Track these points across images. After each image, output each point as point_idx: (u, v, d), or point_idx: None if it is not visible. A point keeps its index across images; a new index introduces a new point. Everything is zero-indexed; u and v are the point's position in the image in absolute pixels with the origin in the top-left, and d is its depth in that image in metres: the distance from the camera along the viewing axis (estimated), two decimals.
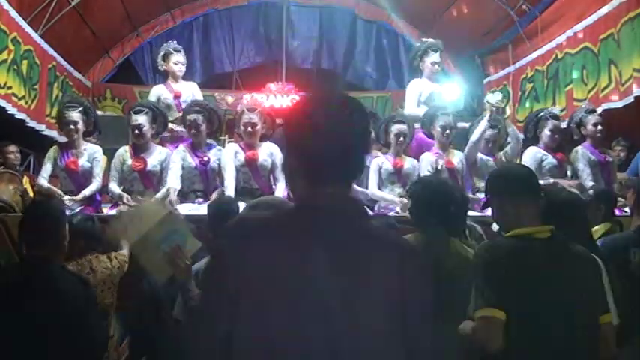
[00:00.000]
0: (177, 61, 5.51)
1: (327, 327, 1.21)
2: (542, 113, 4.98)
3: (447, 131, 4.76)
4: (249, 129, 4.51)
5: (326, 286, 1.22)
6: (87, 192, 4.45)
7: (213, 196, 4.44)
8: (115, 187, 4.50)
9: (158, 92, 5.50)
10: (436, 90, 5.55)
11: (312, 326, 1.21)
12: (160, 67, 5.72)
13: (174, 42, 5.82)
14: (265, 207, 1.90)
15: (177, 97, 5.43)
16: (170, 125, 5.13)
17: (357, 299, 1.24)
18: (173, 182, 4.45)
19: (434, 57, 5.58)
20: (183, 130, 5.09)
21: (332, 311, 1.22)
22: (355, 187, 4.61)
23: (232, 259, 1.26)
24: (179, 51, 5.58)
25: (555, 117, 4.91)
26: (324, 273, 1.23)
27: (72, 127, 4.51)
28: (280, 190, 4.50)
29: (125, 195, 4.40)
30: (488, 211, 2.46)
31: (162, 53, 5.60)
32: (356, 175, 1.37)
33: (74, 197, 4.36)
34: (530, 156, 4.80)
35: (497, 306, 1.91)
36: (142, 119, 4.53)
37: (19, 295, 2.25)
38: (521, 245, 2.00)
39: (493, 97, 4.95)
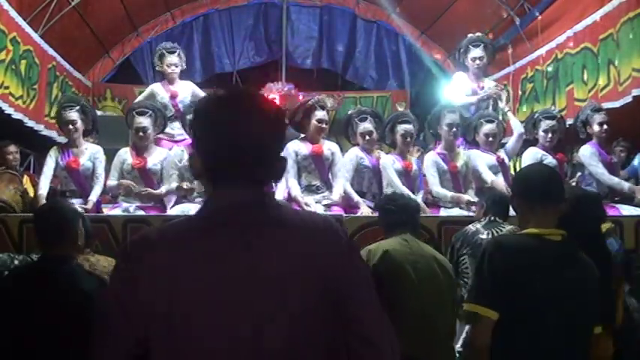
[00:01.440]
0: (170, 63, 5.40)
1: (254, 323, 1.17)
2: (537, 114, 5.03)
3: (454, 129, 4.73)
4: None
5: (238, 283, 1.18)
6: (93, 197, 4.46)
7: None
8: (113, 183, 4.52)
9: (154, 90, 5.45)
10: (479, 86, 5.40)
11: (237, 326, 1.17)
12: (156, 68, 5.67)
13: (171, 43, 5.76)
14: None
15: (173, 97, 5.36)
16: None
17: (277, 290, 1.19)
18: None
19: (474, 52, 5.41)
20: (180, 131, 5.12)
21: (255, 308, 1.18)
22: (350, 190, 4.60)
23: (140, 277, 1.19)
24: (173, 52, 5.46)
25: (550, 117, 4.91)
26: (240, 274, 1.19)
27: (71, 126, 4.53)
28: (280, 190, 4.50)
29: (127, 181, 4.40)
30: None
31: (157, 54, 5.55)
32: (269, 176, 1.30)
33: (85, 206, 4.33)
34: (530, 156, 4.80)
35: (489, 305, 1.93)
36: (146, 121, 4.56)
37: (41, 295, 2.23)
38: (531, 244, 2.02)
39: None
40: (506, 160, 4.87)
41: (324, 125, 4.69)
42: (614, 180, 4.69)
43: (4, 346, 2.22)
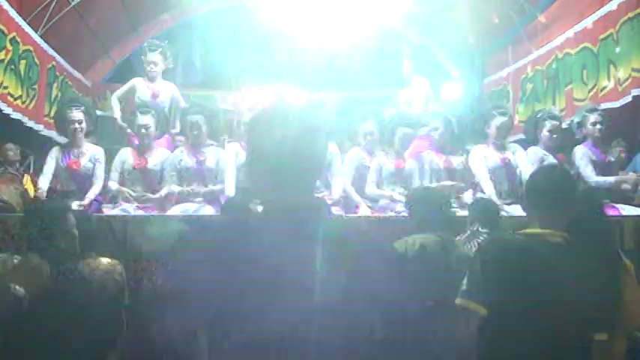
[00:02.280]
0: (150, 61, 5.37)
1: (303, 323, 1.27)
2: (540, 114, 5.00)
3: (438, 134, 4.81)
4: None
5: (295, 282, 1.29)
6: (91, 195, 4.47)
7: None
8: (113, 184, 4.52)
9: (135, 85, 5.39)
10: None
11: (287, 323, 1.27)
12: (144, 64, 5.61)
13: (157, 41, 5.69)
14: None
15: (154, 96, 5.32)
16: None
17: (326, 293, 1.29)
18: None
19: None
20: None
21: (305, 309, 1.28)
22: (350, 189, 4.61)
23: (211, 263, 1.34)
24: (154, 50, 5.40)
25: (554, 117, 4.93)
26: (292, 270, 1.29)
27: (77, 125, 4.53)
28: None
29: (125, 189, 4.40)
30: None
31: (144, 50, 5.52)
32: (316, 180, 1.48)
33: (82, 202, 4.34)
34: (532, 156, 4.80)
35: (479, 301, 1.96)
36: (148, 120, 4.56)
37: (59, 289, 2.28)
38: (527, 243, 2.03)
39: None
40: (513, 160, 4.82)
41: None
42: (599, 180, 4.71)
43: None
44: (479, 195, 4.57)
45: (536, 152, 4.82)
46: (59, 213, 2.42)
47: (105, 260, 3.16)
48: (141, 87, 5.39)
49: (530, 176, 2.33)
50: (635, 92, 5.24)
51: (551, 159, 4.80)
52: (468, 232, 3.34)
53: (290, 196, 1.37)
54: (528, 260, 1.99)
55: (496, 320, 1.95)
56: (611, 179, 4.74)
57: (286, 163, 1.36)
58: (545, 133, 4.83)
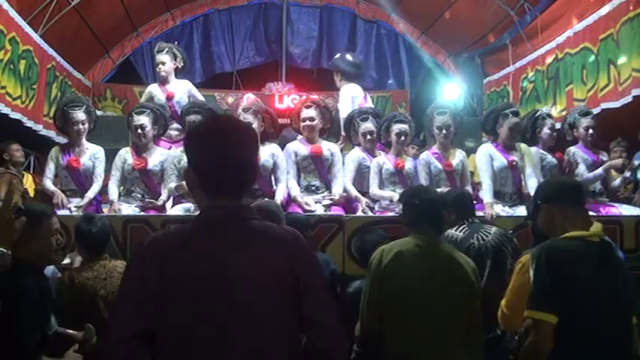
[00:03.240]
0: (158, 62, 5.39)
1: (231, 318, 1.42)
2: (538, 113, 5.00)
3: (444, 131, 4.73)
4: None
5: (225, 284, 1.44)
6: (90, 194, 4.46)
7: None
8: (112, 188, 4.51)
9: (151, 92, 5.43)
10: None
11: (219, 320, 1.42)
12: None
13: (163, 42, 5.71)
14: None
15: (169, 98, 5.32)
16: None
17: (253, 291, 1.45)
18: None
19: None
20: (178, 132, 5.12)
21: (234, 305, 1.43)
22: (350, 187, 4.61)
23: (148, 274, 1.45)
24: (161, 51, 5.42)
25: (551, 116, 4.96)
26: (225, 273, 1.44)
27: (81, 126, 4.55)
28: (281, 191, 4.50)
29: (116, 202, 4.39)
30: None
31: (155, 52, 5.53)
32: (248, 187, 1.59)
33: (80, 203, 4.35)
34: (532, 155, 4.80)
35: (549, 310, 2.02)
36: (144, 120, 4.56)
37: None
38: (579, 247, 2.12)
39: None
40: (520, 162, 4.80)
41: (308, 123, 4.65)
42: (590, 176, 4.74)
43: None
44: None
45: (536, 153, 4.82)
46: (34, 219, 2.15)
47: (120, 263, 3.17)
48: (157, 92, 5.41)
49: (551, 181, 2.57)
50: (635, 92, 5.24)
51: (550, 158, 4.81)
52: (465, 225, 3.32)
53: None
54: (586, 262, 2.10)
55: (566, 323, 2.02)
56: (599, 171, 4.73)
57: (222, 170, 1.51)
58: (546, 131, 4.83)
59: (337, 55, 5.92)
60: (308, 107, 4.72)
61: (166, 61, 5.39)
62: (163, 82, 5.45)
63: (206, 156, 1.51)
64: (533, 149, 4.85)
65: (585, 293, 2.04)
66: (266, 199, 4.16)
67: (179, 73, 5.54)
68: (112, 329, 1.44)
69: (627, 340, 2.10)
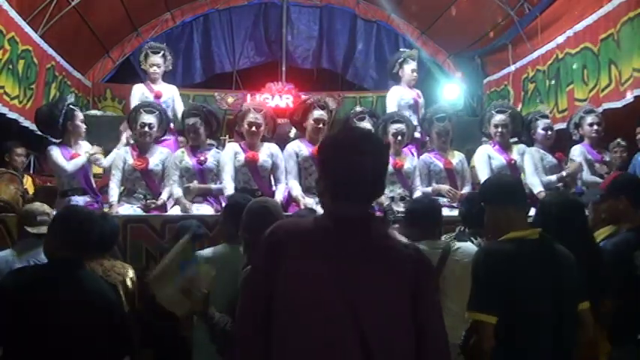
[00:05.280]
0: (153, 63, 5.45)
1: (352, 324, 1.46)
2: (530, 115, 5.07)
3: (443, 138, 4.82)
4: (254, 129, 4.51)
5: (350, 292, 1.48)
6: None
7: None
8: (113, 188, 4.50)
9: (140, 91, 5.47)
10: None
11: (339, 324, 1.47)
12: (141, 66, 5.69)
13: (158, 43, 5.76)
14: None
15: (157, 97, 5.37)
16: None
17: (374, 302, 1.49)
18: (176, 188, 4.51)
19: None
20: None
21: (356, 312, 1.47)
22: None
23: (269, 271, 1.53)
24: (157, 52, 5.49)
25: (544, 116, 4.99)
26: (348, 279, 1.49)
27: (86, 127, 4.65)
28: (280, 191, 4.49)
29: (115, 205, 4.39)
30: None
31: (143, 53, 5.59)
32: (378, 195, 1.66)
33: (109, 211, 4.32)
34: (531, 155, 4.80)
35: (488, 311, 2.09)
36: (152, 119, 4.57)
37: (51, 299, 2.22)
38: (516, 248, 2.17)
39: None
40: (519, 160, 4.82)
41: (321, 125, 4.61)
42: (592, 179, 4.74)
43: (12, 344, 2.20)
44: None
45: (535, 152, 4.82)
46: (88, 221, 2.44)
47: (119, 263, 3.17)
48: (144, 91, 5.48)
49: (491, 182, 2.51)
50: (636, 92, 5.24)
51: (550, 158, 4.82)
52: (454, 234, 3.31)
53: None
54: (523, 262, 2.15)
55: (507, 323, 2.08)
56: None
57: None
58: (539, 131, 4.87)
59: None
60: (322, 108, 4.68)
61: (160, 64, 5.50)
62: (152, 81, 5.52)
63: (341, 166, 1.58)
64: (533, 149, 4.86)
65: (523, 292, 2.10)
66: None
67: (165, 74, 5.66)
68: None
69: (570, 330, 2.16)
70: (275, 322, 1.51)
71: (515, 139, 5.11)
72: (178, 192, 4.49)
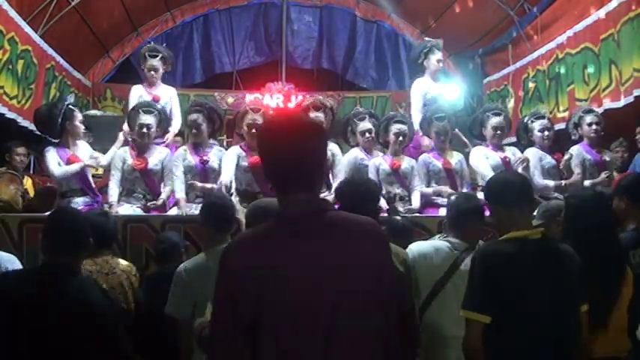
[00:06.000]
0: (150, 67, 5.41)
1: (325, 300, 1.46)
2: (527, 117, 5.09)
3: (442, 137, 4.82)
4: (253, 130, 4.51)
5: (321, 282, 1.47)
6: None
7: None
8: (113, 188, 4.50)
9: (138, 93, 5.43)
10: None
11: (314, 301, 1.46)
12: (141, 67, 5.65)
13: (157, 46, 5.69)
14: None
15: (155, 100, 5.30)
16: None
17: (344, 284, 1.47)
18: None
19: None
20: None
21: (327, 296, 1.46)
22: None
23: (239, 280, 1.47)
24: (155, 56, 5.43)
25: (540, 117, 5.00)
26: (318, 269, 1.47)
27: (84, 129, 4.67)
28: None
29: (114, 205, 4.39)
30: None
31: (142, 55, 5.55)
32: (320, 182, 1.64)
33: (114, 211, 4.30)
34: (532, 156, 4.81)
35: (481, 310, 2.10)
36: (151, 120, 4.57)
37: (39, 305, 2.19)
38: (516, 247, 2.17)
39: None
40: (513, 159, 4.85)
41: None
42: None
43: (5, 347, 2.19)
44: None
45: (535, 153, 4.83)
46: (82, 222, 2.44)
47: (122, 262, 3.18)
48: (143, 93, 5.42)
49: (495, 181, 2.46)
50: (637, 92, 5.23)
51: (549, 158, 4.83)
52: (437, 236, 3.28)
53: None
54: (523, 262, 2.15)
55: (505, 323, 2.08)
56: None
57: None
58: (536, 133, 4.89)
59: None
60: (317, 109, 4.71)
61: (159, 68, 5.45)
62: (150, 84, 5.48)
63: (280, 154, 1.55)
64: (532, 149, 4.86)
65: (522, 292, 2.10)
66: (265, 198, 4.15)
67: (164, 75, 5.64)
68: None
69: (569, 331, 2.16)
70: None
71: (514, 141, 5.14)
72: (182, 194, 4.46)
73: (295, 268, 1.47)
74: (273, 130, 1.64)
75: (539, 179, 4.70)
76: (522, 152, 4.95)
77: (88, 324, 2.20)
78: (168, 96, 5.49)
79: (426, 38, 5.86)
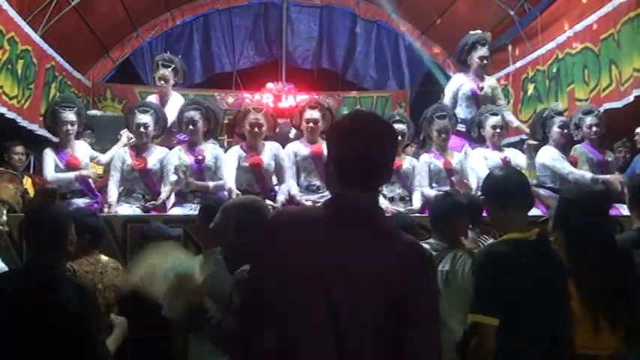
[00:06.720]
0: (161, 77, 5.35)
1: (335, 313, 1.42)
2: (546, 112, 5.01)
3: (444, 135, 4.80)
4: (255, 129, 4.50)
5: (337, 282, 1.44)
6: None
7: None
8: (112, 189, 4.50)
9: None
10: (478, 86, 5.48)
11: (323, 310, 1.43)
12: (154, 74, 5.62)
13: (170, 55, 5.57)
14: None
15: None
16: None
17: (361, 294, 1.43)
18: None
19: (481, 51, 5.46)
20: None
21: (339, 300, 1.43)
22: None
23: (270, 240, 1.53)
24: (167, 66, 5.37)
25: (560, 113, 4.98)
26: (339, 267, 1.45)
27: (70, 127, 4.55)
28: (283, 192, 4.49)
29: (114, 205, 4.38)
30: None
31: (155, 62, 5.48)
32: (383, 181, 1.64)
33: (108, 211, 4.32)
34: (548, 155, 4.80)
35: (489, 313, 2.09)
36: (147, 119, 4.56)
37: (20, 304, 2.18)
38: (513, 249, 2.17)
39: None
40: (513, 160, 4.86)
41: (311, 125, 4.65)
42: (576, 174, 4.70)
43: None
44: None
45: (551, 152, 4.79)
46: (63, 220, 2.36)
47: (112, 261, 3.18)
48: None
49: (492, 180, 2.40)
50: (637, 92, 5.24)
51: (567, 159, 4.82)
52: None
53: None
54: (522, 263, 2.15)
55: (507, 323, 2.08)
56: (587, 175, 4.69)
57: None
58: (555, 129, 4.84)
59: None
60: (313, 108, 4.71)
61: (169, 78, 5.37)
62: (160, 94, 5.42)
63: (345, 148, 1.55)
64: (547, 149, 4.83)
65: (519, 293, 2.10)
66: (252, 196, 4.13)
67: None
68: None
69: (564, 328, 2.20)
70: (264, 310, 1.50)
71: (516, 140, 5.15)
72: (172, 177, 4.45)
73: (306, 258, 1.48)
74: (348, 126, 1.63)
75: (573, 170, 4.67)
76: (522, 152, 4.96)
77: (62, 324, 2.17)
78: (177, 104, 5.19)
79: (471, 32, 5.52)
